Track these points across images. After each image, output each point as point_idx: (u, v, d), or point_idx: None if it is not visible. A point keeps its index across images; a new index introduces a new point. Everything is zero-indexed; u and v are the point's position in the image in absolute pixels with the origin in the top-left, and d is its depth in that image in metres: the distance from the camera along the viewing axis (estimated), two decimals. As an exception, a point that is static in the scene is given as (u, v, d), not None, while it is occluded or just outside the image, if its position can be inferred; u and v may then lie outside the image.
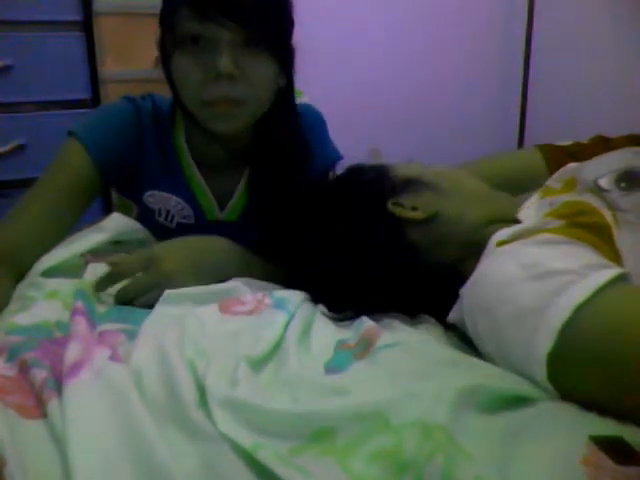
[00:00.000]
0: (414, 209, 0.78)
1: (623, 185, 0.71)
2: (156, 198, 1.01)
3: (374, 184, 0.82)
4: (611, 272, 0.56)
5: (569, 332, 0.53)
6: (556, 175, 0.84)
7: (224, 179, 1.02)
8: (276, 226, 0.92)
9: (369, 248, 0.77)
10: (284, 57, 0.90)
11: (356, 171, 0.87)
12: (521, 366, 0.57)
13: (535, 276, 0.59)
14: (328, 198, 0.85)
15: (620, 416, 0.51)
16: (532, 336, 0.55)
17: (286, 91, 0.94)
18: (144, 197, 1.01)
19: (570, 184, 0.78)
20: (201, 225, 1.02)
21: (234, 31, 0.82)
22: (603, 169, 0.75)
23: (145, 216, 1.01)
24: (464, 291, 0.68)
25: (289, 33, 0.90)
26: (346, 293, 0.78)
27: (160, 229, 1.00)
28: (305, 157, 0.99)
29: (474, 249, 0.72)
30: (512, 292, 0.60)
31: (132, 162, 0.98)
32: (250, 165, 1.01)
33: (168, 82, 0.91)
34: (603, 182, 0.72)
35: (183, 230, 1.00)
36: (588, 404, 0.52)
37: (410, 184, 0.80)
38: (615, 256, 0.64)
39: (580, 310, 0.54)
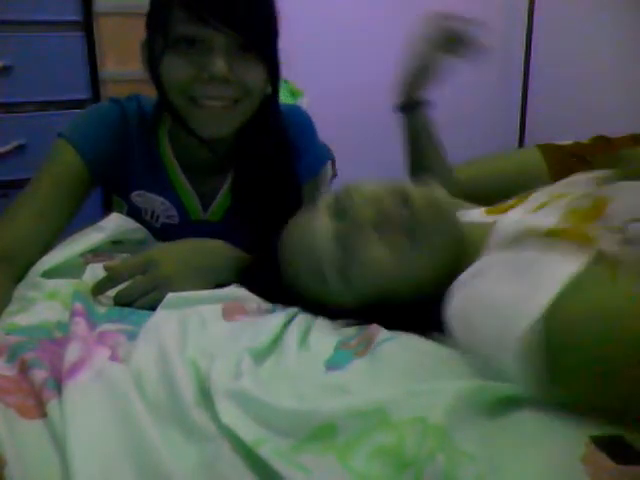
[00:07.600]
0: None
1: None
2: (143, 198, 1.03)
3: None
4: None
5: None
6: (564, 182, 0.78)
7: (208, 180, 1.03)
8: (260, 229, 0.93)
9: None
10: (273, 65, 0.91)
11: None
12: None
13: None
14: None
15: (618, 414, 0.51)
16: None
17: (271, 97, 0.95)
18: (131, 196, 1.03)
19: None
20: (185, 225, 1.03)
21: (229, 36, 0.84)
22: None
23: (133, 214, 1.02)
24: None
25: (277, 42, 0.92)
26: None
27: (146, 228, 1.00)
28: (289, 160, 1.00)
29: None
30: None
31: (119, 162, 0.99)
32: (234, 167, 1.02)
33: (154, 83, 0.90)
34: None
35: (167, 230, 1.02)
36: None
37: None
38: None
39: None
